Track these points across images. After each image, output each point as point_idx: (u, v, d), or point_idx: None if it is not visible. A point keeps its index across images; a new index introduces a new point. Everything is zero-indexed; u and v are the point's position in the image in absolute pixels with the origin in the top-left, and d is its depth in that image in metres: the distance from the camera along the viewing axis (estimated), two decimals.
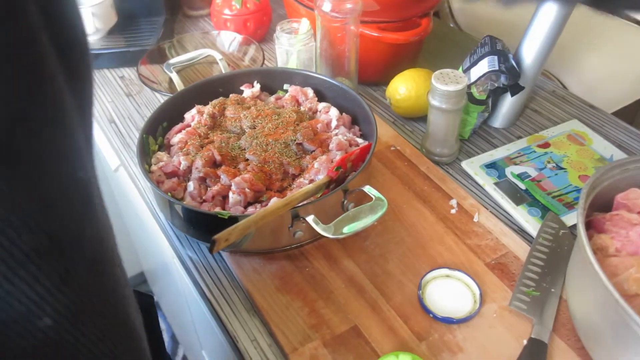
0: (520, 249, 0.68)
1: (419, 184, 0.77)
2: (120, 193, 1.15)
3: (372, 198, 0.64)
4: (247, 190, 0.67)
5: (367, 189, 0.63)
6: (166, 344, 1.68)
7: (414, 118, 0.91)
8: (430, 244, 0.69)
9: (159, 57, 1.02)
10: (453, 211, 0.73)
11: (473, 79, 0.81)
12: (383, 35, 0.86)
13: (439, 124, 0.79)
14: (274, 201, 0.66)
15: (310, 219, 0.60)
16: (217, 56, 0.86)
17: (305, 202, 0.63)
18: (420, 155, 0.82)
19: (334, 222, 0.59)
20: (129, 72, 1.03)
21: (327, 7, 0.80)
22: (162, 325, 1.73)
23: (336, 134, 0.77)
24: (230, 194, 0.67)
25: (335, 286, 0.64)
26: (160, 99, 0.95)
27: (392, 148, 0.83)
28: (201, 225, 0.66)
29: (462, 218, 0.72)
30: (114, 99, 0.97)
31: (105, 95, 0.98)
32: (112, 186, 1.40)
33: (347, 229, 0.58)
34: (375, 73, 0.96)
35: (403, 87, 0.86)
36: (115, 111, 0.94)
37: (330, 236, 0.58)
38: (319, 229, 0.58)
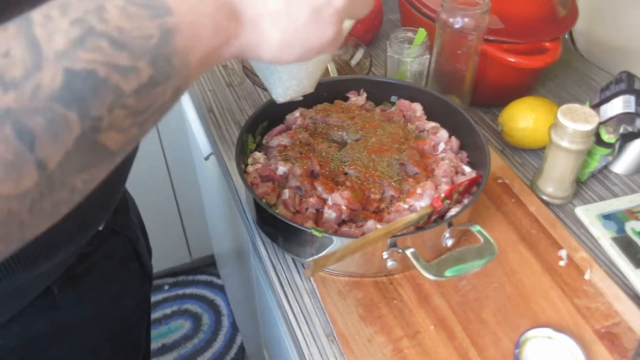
0: (637, 320, 0.60)
1: (526, 225, 0.71)
2: (206, 179, 1.14)
3: (477, 237, 0.59)
4: (343, 207, 0.63)
5: (477, 229, 0.58)
6: (225, 329, 1.70)
7: (526, 149, 0.83)
8: (533, 297, 0.63)
9: None
10: (562, 263, 0.66)
11: (603, 119, 0.74)
12: (506, 57, 0.79)
13: (558, 163, 0.71)
14: (371, 224, 0.62)
15: (410, 252, 0.55)
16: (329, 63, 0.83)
17: (405, 232, 0.59)
18: (529, 192, 0.75)
19: (436, 261, 0.54)
20: (232, 62, 1.02)
21: (451, 20, 0.75)
22: (225, 311, 1.75)
23: (443, 158, 0.72)
24: (326, 209, 0.63)
25: (423, 326, 0.60)
26: (261, 93, 0.93)
27: (499, 180, 0.77)
28: (291, 238, 0.63)
29: (572, 273, 0.65)
30: (214, 87, 0.96)
31: (206, 83, 0.97)
32: (197, 170, 1.42)
33: (450, 272, 0.53)
34: (489, 95, 0.89)
35: (521, 116, 0.79)
36: (215, 101, 0.93)
37: (431, 277, 0.53)
38: (419, 266, 0.54)
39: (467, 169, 0.71)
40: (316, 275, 0.64)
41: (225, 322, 1.72)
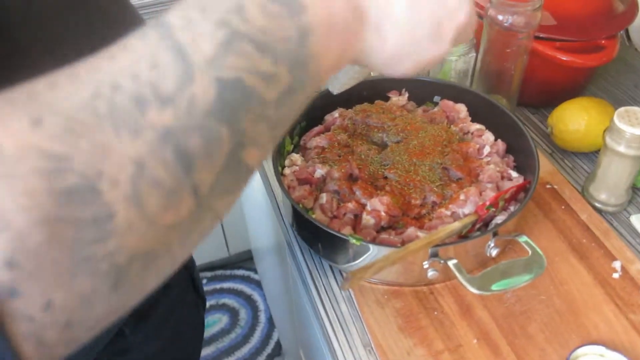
0: None
1: (577, 234, 0.67)
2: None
3: (523, 248, 0.56)
4: (382, 214, 0.61)
5: (524, 240, 0.55)
6: (262, 325, 1.70)
7: (577, 152, 0.79)
8: (584, 311, 0.59)
9: None
10: (616, 275, 0.62)
11: None
12: (558, 55, 0.75)
13: (613, 169, 0.67)
14: (412, 231, 0.59)
15: (452, 264, 0.53)
16: None
17: (447, 241, 0.56)
18: (580, 199, 0.71)
19: (480, 274, 0.52)
20: None
21: (500, 17, 0.71)
22: (262, 306, 1.75)
23: (488, 162, 0.69)
24: (364, 215, 0.61)
25: (465, 339, 0.57)
26: None
27: (549, 186, 0.73)
28: (328, 244, 0.61)
29: (627, 286, 0.61)
30: None
31: None
32: None
33: (496, 287, 0.50)
34: (538, 95, 0.85)
35: (572, 117, 0.75)
36: None
37: (475, 291, 0.50)
38: (462, 279, 0.51)
39: (514, 174, 0.68)
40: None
41: (262, 317, 1.72)
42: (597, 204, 0.71)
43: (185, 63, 0.23)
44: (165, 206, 0.23)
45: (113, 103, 0.22)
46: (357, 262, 0.59)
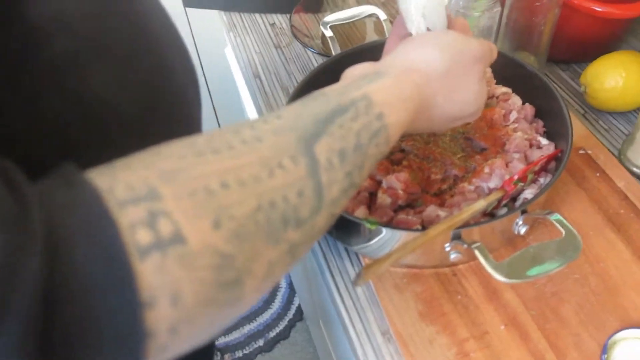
0: None
1: (613, 204, 0.61)
2: None
3: (557, 228, 0.50)
4: (400, 192, 0.56)
5: (557, 218, 0.49)
6: (283, 290, 1.69)
7: (612, 112, 0.72)
8: (623, 290, 0.54)
9: (315, 5, 0.92)
10: None
11: None
12: (594, 6, 0.68)
13: None
14: (432, 210, 0.55)
15: (477, 248, 0.48)
16: (382, 16, 0.73)
17: (471, 222, 0.51)
18: (617, 164, 0.65)
19: (508, 260, 0.47)
20: (280, 20, 0.94)
21: None
22: None
23: (515, 129, 0.63)
24: (380, 194, 0.57)
25: (492, 325, 0.53)
26: (311, 56, 0.86)
27: (581, 151, 0.67)
28: (341, 226, 0.57)
29: None
30: (261, 49, 0.89)
31: (253, 44, 0.91)
32: None
33: (526, 275, 0.46)
34: (569, 50, 0.78)
35: (608, 74, 0.68)
36: (262, 64, 0.86)
37: (503, 279, 0.46)
38: (488, 266, 0.46)
39: (544, 141, 0.62)
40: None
41: (283, 282, 1.71)
42: (635, 170, 0.65)
43: (319, 200, 0.32)
44: (271, 285, 0.31)
45: (269, 217, 0.29)
46: (372, 243, 0.54)
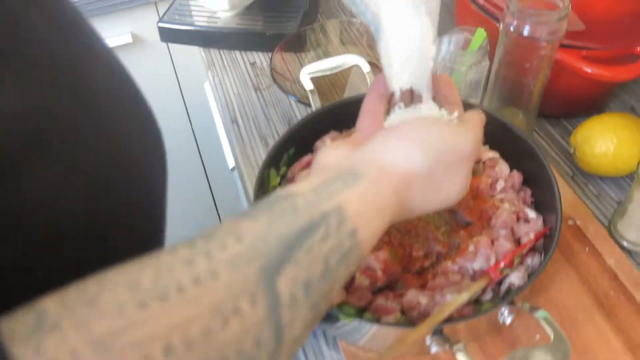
0: None
1: (603, 285, 0.58)
2: (235, 193, 1.05)
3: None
4: (379, 273, 0.53)
5: (544, 317, 0.46)
6: None
7: (603, 176, 0.70)
8: None
9: (298, 44, 0.88)
10: None
11: None
12: (585, 67, 0.65)
13: None
14: (413, 295, 0.51)
15: (459, 351, 0.45)
16: (365, 67, 0.70)
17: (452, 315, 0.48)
18: (607, 238, 0.62)
19: None
20: (261, 59, 0.91)
21: (519, 26, 0.60)
22: None
23: (501, 200, 0.60)
24: (358, 275, 0.53)
25: None
26: (293, 103, 0.82)
27: (570, 222, 0.64)
28: None
29: None
30: (240, 91, 0.85)
31: (231, 84, 0.87)
32: (228, 183, 1.33)
33: None
34: (559, 106, 0.75)
35: (599, 139, 0.65)
36: (240, 107, 0.83)
37: None
38: None
39: (532, 215, 0.59)
40: (346, 349, 0.55)
41: None
42: (626, 244, 0.62)
43: (279, 343, 0.29)
44: None
45: None
46: (348, 330, 0.51)
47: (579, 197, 0.67)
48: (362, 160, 0.39)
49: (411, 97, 0.46)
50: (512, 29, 0.60)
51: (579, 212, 0.64)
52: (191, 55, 0.91)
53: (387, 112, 0.48)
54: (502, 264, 0.51)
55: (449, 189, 0.41)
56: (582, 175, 0.70)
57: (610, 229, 0.64)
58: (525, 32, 0.60)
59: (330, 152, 0.41)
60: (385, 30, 0.44)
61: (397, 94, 0.46)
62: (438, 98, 0.47)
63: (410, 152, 0.39)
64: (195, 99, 1.24)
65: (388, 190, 0.37)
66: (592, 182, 0.70)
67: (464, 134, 0.40)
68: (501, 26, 0.63)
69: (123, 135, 0.44)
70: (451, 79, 0.70)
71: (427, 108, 0.45)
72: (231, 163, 0.89)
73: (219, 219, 1.69)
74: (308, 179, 0.37)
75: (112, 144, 0.42)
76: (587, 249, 0.61)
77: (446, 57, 0.70)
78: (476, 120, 0.43)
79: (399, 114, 0.45)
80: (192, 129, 1.36)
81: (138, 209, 0.46)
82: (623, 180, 0.69)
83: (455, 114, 0.44)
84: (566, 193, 0.66)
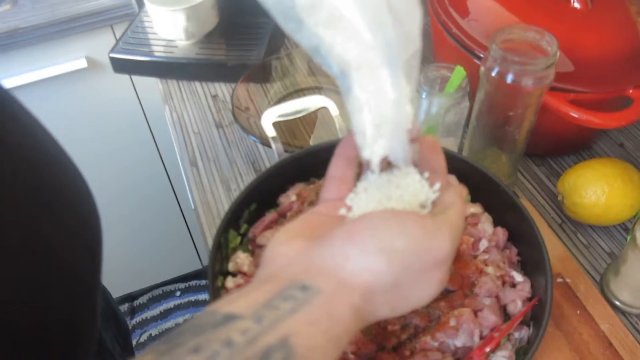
0: None
1: (595, 352, 0.53)
2: (199, 231, 0.98)
3: None
4: (351, 356, 0.47)
5: None
6: None
7: (593, 225, 0.65)
8: None
9: (262, 75, 0.82)
10: None
11: None
12: (571, 111, 0.59)
13: None
14: None
15: None
16: (333, 111, 0.63)
17: None
18: (599, 298, 0.57)
19: None
20: (223, 91, 0.84)
21: (502, 72, 0.55)
22: None
23: (485, 262, 0.54)
24: None
25: None
26: (258, 145, 0.75)
27: (559, 280, 0.58)
28: None
29: None
30: (200, 129, 0.78)
31: (191, 121, 0.80)
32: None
33: None
34: (544, 145, 0.70)
35: (588, 188, 0.60)
36: (200, 148, 0.76)
37: None
38: None
39: (518, 278, 0.53)
40: None
41: None
42: (618, 304, 0.57)
43: None
44: None
45: None
46: None
47: (568, 249, 0.62)
48: (317, 267, 0.32)
49: (386, 163, 0.40)
50: (493, 74, 0.55)
51: (569, 268, 0.59)
52: (155, 82, 0.84)
53: (358, 176, 0.42)
54: (487, 349, 0.45)
55: (420, 296, 0.35)
56: (571, 223, 0.65)
57: (602, 287, 0.59)
58: (509, 80, 0.55)
59: (282, 247, 0.35)
60: (355, 92, 0.38)
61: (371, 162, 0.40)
62: (421, 162, 0.41)
63: (372, 261, 0.32)
64: (163, 126, 1.17)
65: (345, 310, 0.30)
66: (581, 231, 0.64)
67: (440, 237, 0.33)
68: (482, 69, 0.57)
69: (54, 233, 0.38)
70: (429, 124, 0.64)
71: (405, 174, 0.39)
72: (193, 204, 0.82)
73: (197, 252, 1.62)
74: (251, 290, 0.31)
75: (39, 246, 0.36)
76: (578, 311, 0.56)
77: (425, 95, 0.64)
78: (457, 206, 0.37)
79: (372, 181, 0.40)
80: (161, 157, 1.28)
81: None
82: (614, 229, 0.64)
83: (437, 185, 0.38)
84: (555, 246, 0.61)
